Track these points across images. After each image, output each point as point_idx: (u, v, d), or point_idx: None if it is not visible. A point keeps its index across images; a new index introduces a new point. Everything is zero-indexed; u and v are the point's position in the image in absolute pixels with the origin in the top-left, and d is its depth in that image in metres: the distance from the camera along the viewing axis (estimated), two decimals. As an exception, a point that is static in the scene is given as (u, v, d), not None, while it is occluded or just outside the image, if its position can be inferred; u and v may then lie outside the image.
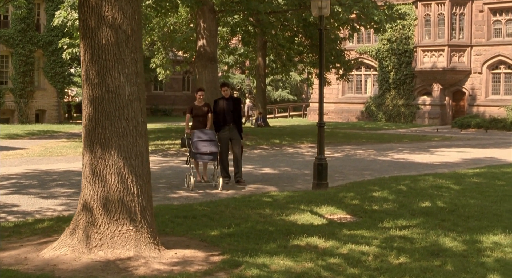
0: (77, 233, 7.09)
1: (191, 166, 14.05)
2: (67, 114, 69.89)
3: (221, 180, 13.57)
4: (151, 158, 20.16)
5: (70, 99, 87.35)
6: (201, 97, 14.67)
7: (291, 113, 62.59)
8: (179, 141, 25.14)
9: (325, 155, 22.46)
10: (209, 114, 14.57)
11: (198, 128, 14.31)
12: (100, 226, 6.98)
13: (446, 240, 8.49)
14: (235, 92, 59.72)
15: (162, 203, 11.70)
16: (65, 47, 26.05)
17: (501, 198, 11.96)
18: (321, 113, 13.64)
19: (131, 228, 6.98)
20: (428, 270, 7.05)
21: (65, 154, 20.86)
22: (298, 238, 8.39)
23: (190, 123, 14.81)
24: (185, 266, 6.79)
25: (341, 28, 32.59)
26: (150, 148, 22.81)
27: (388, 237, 8.65)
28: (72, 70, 75.07)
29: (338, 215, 10.48)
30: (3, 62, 42.65)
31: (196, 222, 9.29)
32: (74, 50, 25.53)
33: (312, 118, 53.97)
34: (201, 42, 26.80)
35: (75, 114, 70.56)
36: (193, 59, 34.72)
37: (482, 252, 7.91)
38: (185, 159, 20.15)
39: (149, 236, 7.09)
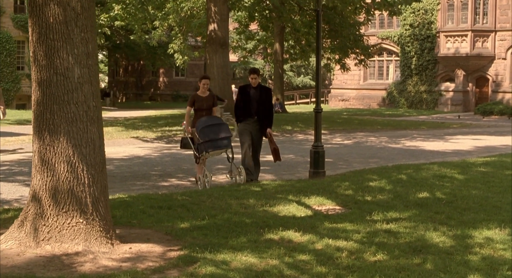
0: (25, 226, 6.62)
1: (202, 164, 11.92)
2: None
3: (244, 172, 11.72)
4: (154, 145, 19.99)
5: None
6: (206, 86, 12.37)
7: (313, 99, 61.81)
8: (187, 127, 24.70)
9: (335, 141, 22.13)
10: (214, 108, 12.35)
11: None
12: (48, 218, 6.50)
13: (433, 235, 7.88)
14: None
15: (150, 191, 11.23)
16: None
17: (505, 189, 11.26)
18: (317, 98, 13.03)
19: (81, 220, 6.49)
20: (404, 269, 6.47)
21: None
22: (273, 231, 7.83)
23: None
24: (136, 262, 6.28)
25: (357, 12, 31.84)
26: (156, 134, 22.56)
27: (372, 231, 8.07)
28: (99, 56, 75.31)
29: (327, 206, 9.91)
30: (20, 47, 42.52)
31: (170, 213, 8.76)
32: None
33: (333, 104, 53.24)
34: (212, 27, 26.26)
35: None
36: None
37: (469, 248, 7.31)
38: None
39: (101, 229, 6.58)
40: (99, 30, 24.91)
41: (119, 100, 63.52)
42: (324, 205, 9.95)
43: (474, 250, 7.26)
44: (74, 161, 6.48)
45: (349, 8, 32.33)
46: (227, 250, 6.78)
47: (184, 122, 12.22)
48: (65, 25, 6.39)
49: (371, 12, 30.02)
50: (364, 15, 32.19)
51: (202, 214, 8.70)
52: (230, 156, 11.94)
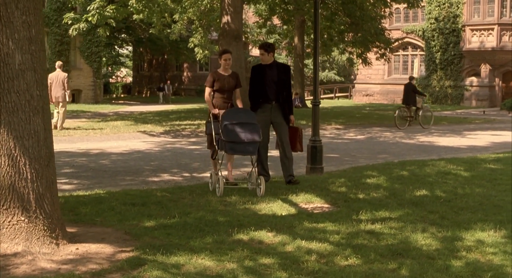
0: (-35, 224, 6.15)
1: (219, 160, 10.09)
2: (114, 94, 70.08)
3: (263, 183, 9.69)
4: (159, 139, 19.49)
5: (119, 80, 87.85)
6: (228, 61, 10.28)
7: (337, 94, 61.08)
8: (198, 122, 24.18)
9: (347, 137, 21.46)
10: (237, 90, 10.52)
11: (222, 108, 10.20)
12: (-12, 216, 6.02)
13: (419, 236, 7.25)
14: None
15: (136, 187, 10.72)
16: (69, 22, 25.05)
17: (512, 187, 10.58)
18: (315, 90, 12.44)
19: (22, 218, 5.98)
20: (375, 275, 5.86)
21: (72, 134, 20.07)
22: (244, 231, 7.27)
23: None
24: (78, 264, 5.76)
25: (375, 4, 31.12)
26: (164, 128, 22.05)
27: (354, 231, 7.46)
28: (125, 51, 75.15)
29: (315, 204, 9.31)
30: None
31: (141, 211, 8.23)
32: (80, 25, 24.55)
33: (357, 99, 52.48)
34: (225, 19, 25.67)
35: (122, 95, 70.74)
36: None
37: (455, 252, 6.66)
38: (195, 139, 19.20)
39: (45, 228, 6.07)
40: (104, 22, 24.43)
41: (143, 95, 63.14)
42: (312, 202, 9.35)
43: (460, 254, 6.63)
44: (16, 154, 5.98)
45: (371, 0, 31.62)
46: (184, 252, 6.23)
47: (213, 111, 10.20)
48: (4, 7, 5.89)
49: (389, 5, 29.20)
50: (383, 7, 31.40)
51: (175, 212, 8.18)
52: (255, 160, 10.20)
